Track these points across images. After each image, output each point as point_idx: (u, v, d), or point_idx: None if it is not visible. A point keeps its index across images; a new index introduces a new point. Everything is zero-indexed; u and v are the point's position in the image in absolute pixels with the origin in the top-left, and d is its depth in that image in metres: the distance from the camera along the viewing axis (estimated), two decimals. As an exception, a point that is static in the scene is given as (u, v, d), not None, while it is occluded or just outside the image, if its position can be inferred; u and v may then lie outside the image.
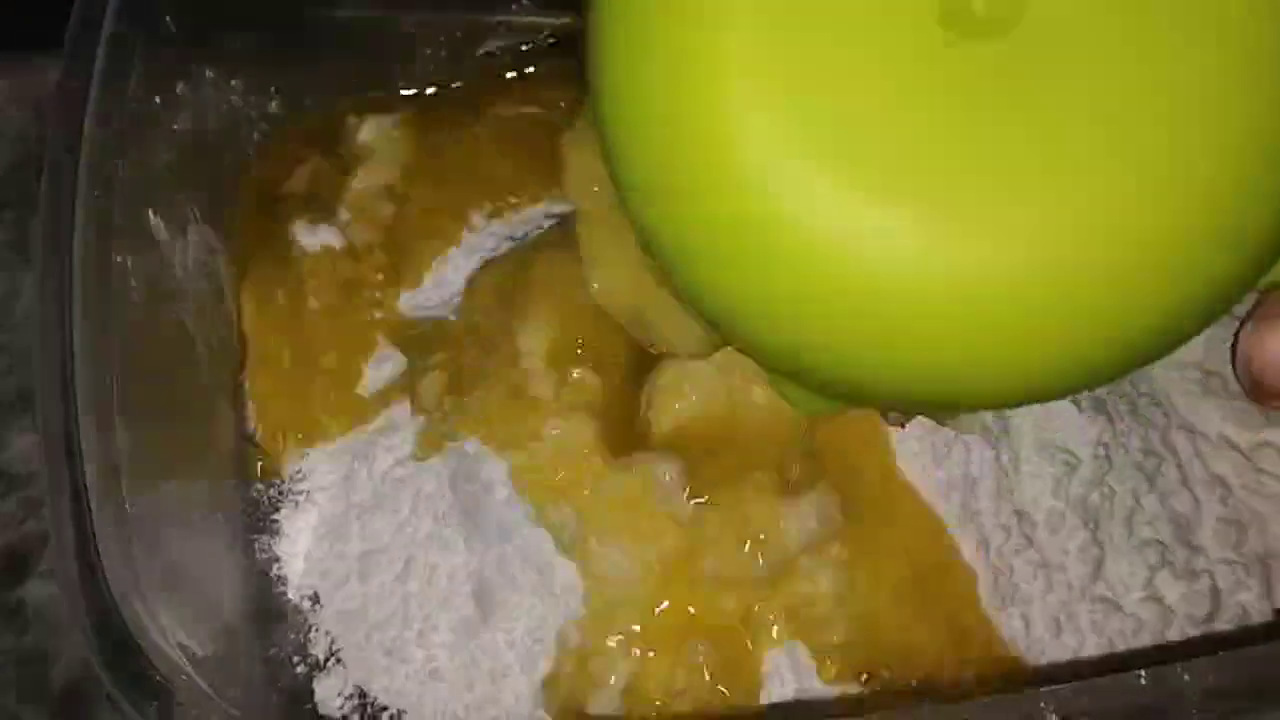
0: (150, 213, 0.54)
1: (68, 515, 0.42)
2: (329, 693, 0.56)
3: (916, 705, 0.43)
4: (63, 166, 0.49)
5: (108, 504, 0.43)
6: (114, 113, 0.51)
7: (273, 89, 0.67)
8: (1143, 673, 0.43)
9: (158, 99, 0.56)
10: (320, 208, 0.66)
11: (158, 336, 0.54)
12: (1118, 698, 0.43)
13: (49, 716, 0.61)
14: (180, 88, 0.58)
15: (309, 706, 0.56)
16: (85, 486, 0.43)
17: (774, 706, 0.51)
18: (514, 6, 0.69)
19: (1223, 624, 0.55)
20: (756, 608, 0.51)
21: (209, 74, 0.61)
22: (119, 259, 0.50)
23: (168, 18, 0.56)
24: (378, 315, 0.63)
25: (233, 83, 0.63)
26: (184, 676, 0.40)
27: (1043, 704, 0.42)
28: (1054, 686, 0.43)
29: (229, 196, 0.65)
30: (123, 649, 0.40)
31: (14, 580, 0.63)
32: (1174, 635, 0.55)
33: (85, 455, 0.43)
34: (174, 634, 0.42)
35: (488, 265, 0.62)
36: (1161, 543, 0.57)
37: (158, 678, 0.39)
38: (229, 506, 0.58)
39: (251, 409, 0.61)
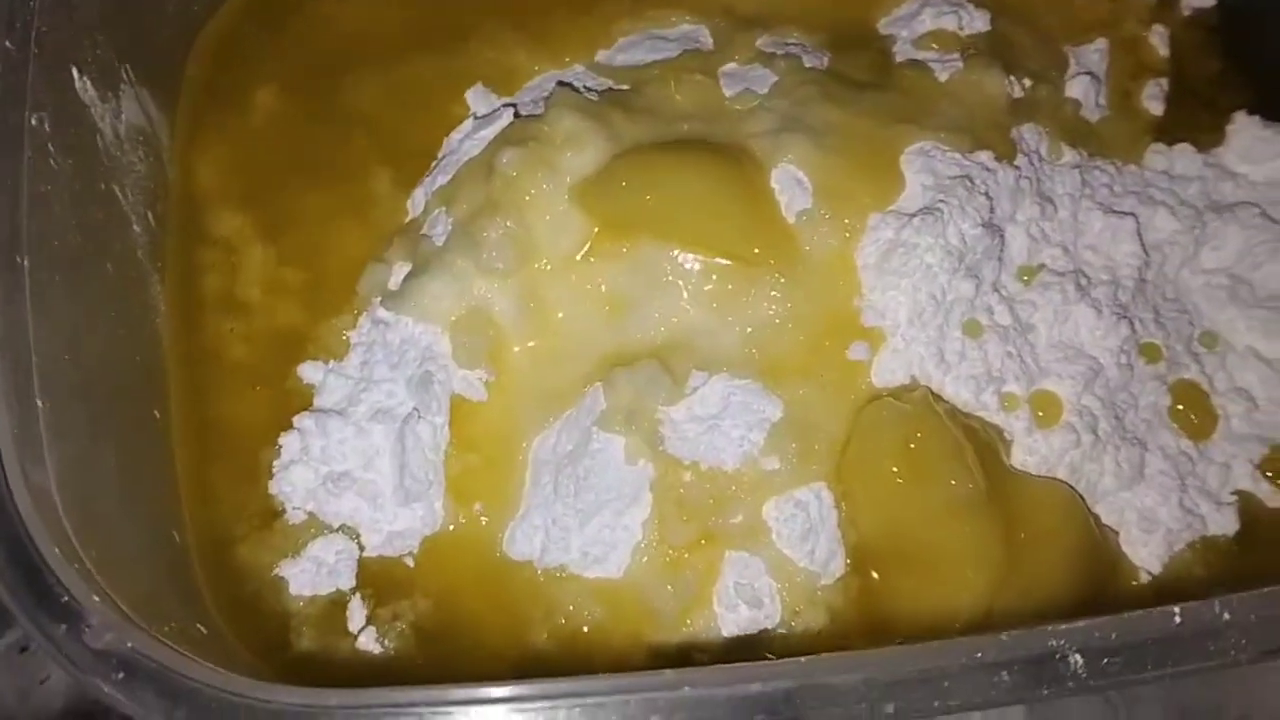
0: (75, 70, 0.48)
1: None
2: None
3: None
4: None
5: (15, 409, 0.38)
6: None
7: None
8: (1178, 609, 0.40)
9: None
10: (295, 75, 0.59)
11: (83, 209, 0.47)
12: (1147, 633, 0.39)
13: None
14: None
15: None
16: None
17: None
18: None
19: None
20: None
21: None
22: (34, 120, 0.44)
23: None
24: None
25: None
26: (96, 599, 0.34)
27: (1058, 641, 0.39)
28: (1079, 623, 0.39)
29: (174, 60, 0.58)
30: (28, 565, 0.35)
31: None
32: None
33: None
34: (91, 549, 0.37)
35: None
36: (1188, 456, 0.55)
37: (66, 599, 0.35)
38: (158, 404, 0.51)
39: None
